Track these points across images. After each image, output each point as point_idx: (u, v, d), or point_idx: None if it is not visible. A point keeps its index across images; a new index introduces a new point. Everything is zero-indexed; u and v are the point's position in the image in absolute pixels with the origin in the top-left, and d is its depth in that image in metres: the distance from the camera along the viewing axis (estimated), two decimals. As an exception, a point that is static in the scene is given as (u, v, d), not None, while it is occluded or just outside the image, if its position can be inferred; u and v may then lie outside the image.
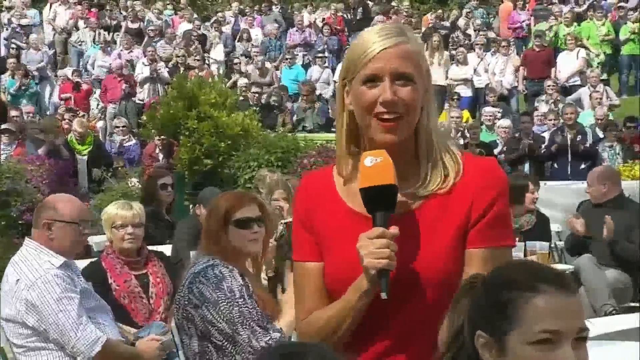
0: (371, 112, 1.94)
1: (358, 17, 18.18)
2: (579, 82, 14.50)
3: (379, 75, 1.94)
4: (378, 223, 1.92)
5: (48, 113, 14.70)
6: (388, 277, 1.90)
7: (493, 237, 1.97)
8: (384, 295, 1.89)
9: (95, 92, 15.24)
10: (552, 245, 7.35)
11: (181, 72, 14.46)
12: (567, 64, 14.88)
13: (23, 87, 14.85)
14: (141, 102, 14.90)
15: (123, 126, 12.78)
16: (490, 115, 12.94)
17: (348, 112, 2.01)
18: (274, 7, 19.16)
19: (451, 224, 1.97)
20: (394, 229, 1.90)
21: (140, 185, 9.53)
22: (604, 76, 14.97)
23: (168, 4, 19.34)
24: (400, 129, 1.95)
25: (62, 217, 4.08)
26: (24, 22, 17.49)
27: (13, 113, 13.11)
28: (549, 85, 13.98)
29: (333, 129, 12.30)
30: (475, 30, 17.01)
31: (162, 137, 11.47)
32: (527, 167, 11.52)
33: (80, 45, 17.16)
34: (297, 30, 17.37)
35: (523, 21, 17.06)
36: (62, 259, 4.04)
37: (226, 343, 3.49)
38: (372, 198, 1.93)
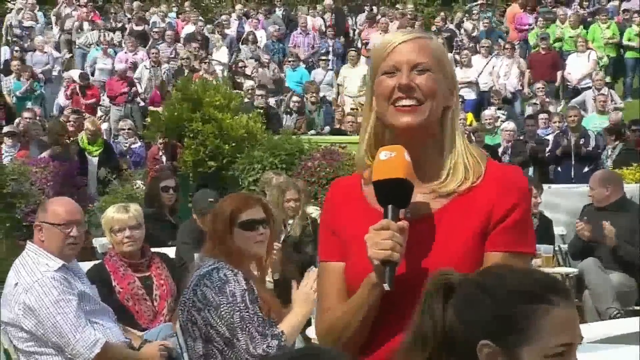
0: (389, 99, 2.01)
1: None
2: (590, 84, 14.49)
3: (397, 66, 2.01)
4: (387, 216, 1.95)
5: (53, 115, 14.70)
6: (393, 269, 1.92)
7: (512, 242, 1.98)
8: (386, 287, 1.92)
9: (102, 94, 15.26)
10: (556, 248, 7.36)
11: (185, 74, 14.49)
12: (577, 66, 14.86)
13: (29, 90, 14.87)
14: (144, 104, 14.91)
15: (128, 128, 12.79)
16: (490, 119, 12.93)
17: (375, 114, 2.07)
18: (277, 9, 19.17)
19: (471, 226, 1.99)
20: (401, 223, 1.94)
21: (144, 188, 9.56)
22: (608, 79, 14.95)
23: (173, 6, 19.36)
24: (417, 114, 2.00)
25: (49, 219, 4.09)
26: (28, 24, 17.51)
27: (26, 115, 13.11)
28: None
29: (339, 133, 12.33)
30: (478, 33, 17.00)
31: (165, 139, 11.48)
32: (531, 170, 11.51)
33: (86, 47, 17.18)
34: (300, 33, 17.37)
35: (529, 24, 17.06)
36: (60, 262, 4.04)
37: (226, 348, 3.49)
38: (383, 191, 1.96)
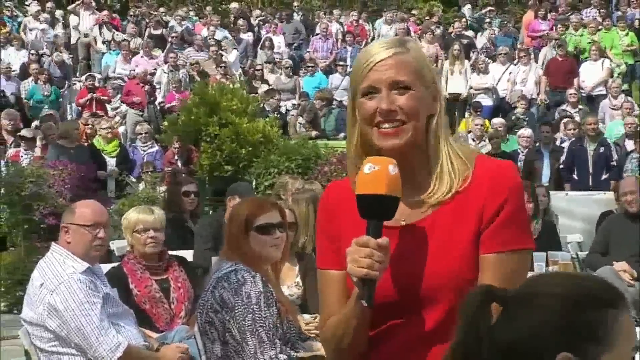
0: (372, 122, 1.98)
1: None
2: (603, 92, 14.43)
3: (376, 86, 1.97)
4: (368, 231, 1.92)
5: (69, 118, 14.77)
6: (372, 287, 1.89)
7: (505, 241, 1.95)
8: (364, 303, 1.90)
9: (115, 98, 15.32)
10: (574, 255, 7.32)
11: (197, 78, 14.55)
12: (591, 74, 14.81)
13: (46, 93, 14.96)
14: (162, 106, 14.97)
15: (145, 132, 12.83)
16: (499, 127, 12.88)
17: (358, 127, 2.03)
18: (295, 14, 19.21)
19: (465, 230, 1.97)
20: (382, 240, 1.90)
21: (161, 191, 9.60)
22: (625, 86, 14.87)
23: (191, 10, 19.42)
24: (401, 135, 1.97)
25: (76, 221, 4.13)
26: (44, 27, 17.61)
27: (47, 119, 13.17)
28: (571, 94, 13.93)
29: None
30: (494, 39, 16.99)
31: (180, 143, 11.53)
32: (546, 177, 11.46)
33: (103, 51, 17.27)
34: (320, 38, 17.41)
35: (543, 30, 17.02)
36: (86, 265, 4.07)
37: (239, 349, 3.50)
38: (365, 205, 1.93)
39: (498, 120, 13.12)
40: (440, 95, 2.05)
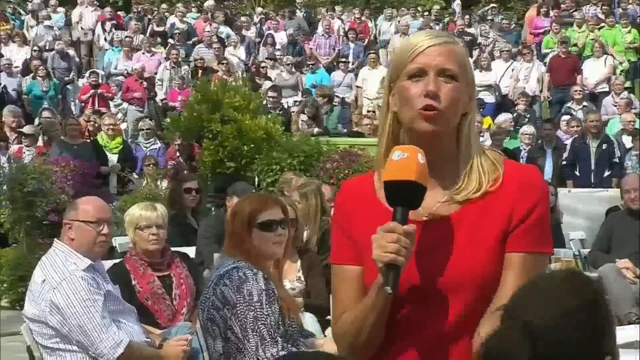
0: (415, 104, 1.97)
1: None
2: (606, 89, 14.41)
3: (425, 69, 1.98)
4: (395, 217, 1.92)
5: (73, 115, 14.77)
6: (397, 273, 1.89)
7: (532, 242, 1.97)
8: (388, 290, 1.88)
9: (117, 95, 15.32)
10: (576, 252, 7.32)
11: (200, 75, 14.54)
12: (594, 71, 14.79)
13: (45, 89, 14.96)
14: (164, 104, 14.96)
15: (148, 128, 12.81)
16: (505, 124, 12.87)
17: (392, 114, 2.04)
18: (297, 11, 19.20)
19: (491, 229, 1.97)
20: (408, 226, 1.90)
21: (163, 188, 9.60)
22: (628, 84, 14.84)
23: (193, 7, 19.41)
24: (438, 121, 1.97)
25: (80, 217, 4.13)
26: (47, 24, 17.61)
27: (45, 114, 13.21)
28: (575, 91, 13.91)
29: (356, 135, 12.32)
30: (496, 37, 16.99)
31: (181, 139, 11.52)
32: (548, 174, 11.43)
33: (106, 48, 17.27)
34: (322, 35, 17.39)
35: (545, 27, 17.02)
36: (88, 262, 4.07)
37: (241, 346, 3.50)
38: (393, 192, 1.93)
39: (504, 117, 13.11)
40: (474, 95, 2.08)
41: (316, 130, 12.75)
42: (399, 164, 1.91)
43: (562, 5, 17.87)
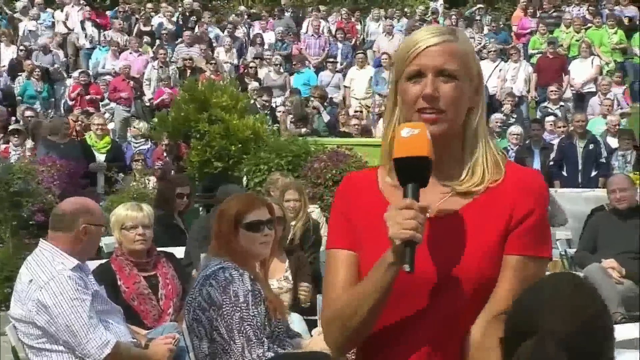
0: (414, 107, 1.97)
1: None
2: (593, 89, 14.48)
3: (423, 71, 1.96)
4: (408, 194, 1.90)
5: (60, 114, 14.71)
6: (414, 250, 1.86)
7: (531, 245, 1.96)
8: (406, 268, 1.85)
9: (105, 95, 15.27)
10: (562, 252, 7.34)
11: (188, 75, 14.51)
12: (580, 72, 14.85)
13: (39, 89, 14.90)
14: (150, 104, 14.93)
15: (136, 128, 12.74)
16: (500, 122, 12.93)
17: (399, 111, 2.04)
18: (286, 12, 19.18)
19: (491, 228, 1.97)
20: (423, 203, 1.88)
21: (151, 187, 9.57)
22: (626, 84, 14.87)
23: (180, 7, 19.36)
24: (439, 123, 1.96)
25: (97, 221, 4.15)
26: (33, 24, 17.53)
27: (27, 113, 13.17)
28: (552, 91, 13.97)
29: (344, 135, 12.29)
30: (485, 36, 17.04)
31: (169, 139, 11.49)
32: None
33: (92, 48, 17.21)
34: (311, 35, 17.39)
35: (531, 27, 17.08)
36: (75, 262, 4.05)
37: (227, 347, 3.50)
38: (405, 169, 1.90)
39: (499, 116, 13.15)
40: (482, 90, 2.06)
41: (303, 130, 12.76)
42: (410, 141, 1.89)
43: (546, 6, 17.92)
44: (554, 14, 17.38)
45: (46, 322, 3.93)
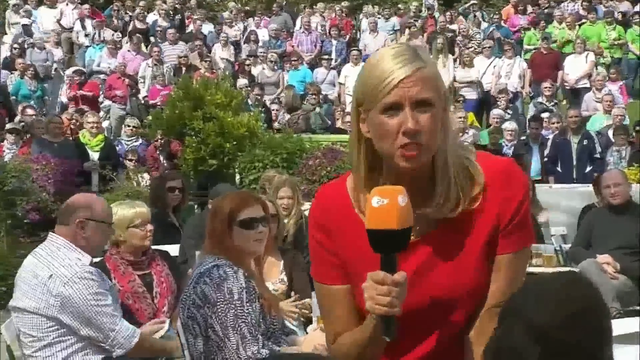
0: (393, 142, 1.91)
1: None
2: (587, 85, 14.49)
3: (400, 102, 1.90)
4: (382, 266, 1.87)
5: (55, 113, 14.68)
6: (392, 320, 1.87)
7: (518, 240, 1.99)
8: (386, 339, 1.88)
9: (101, 93, 15.24)
10: (557, 248, 7.35)
11: (183, 72, 14.49)
12: (575, 67, 14.87)
13: (33, 88, 14.87)
14: (145, 102, 14.90)
15: (133, 126, 12.72)
16: (498, 118, 12.93)
17: (365, 141, 1.98)
18: (283, 12, 19.14)
19: (478, 238, 1.97)
20: (398, 276, 1.85)
21: (145, 185, 9.56)
22: (622, 81, 14.87)
23: (177, 4, 19.32)
24: (420, 156, 1.92)
25: (97, 217, 4.17)
26: (26, 21, 17.48)
27: (29, 112, 13.13)
28: (545, 87, 13.98)
29: (339, 132, 12.29)
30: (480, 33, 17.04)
31: (163, 137, 11.48)
32: (535, 171, 11.49)
33: (87, 45, 17.17)
34: (303, 32, 17.38)
35: (521, 25, 17.09)
36: (89, 258, 4.14)
37: (222, 345, 3.50)
38: (377, 240, 1.87)
39: (498, 112, 13.15)
40: (448, 106, 2.02)
41: (298, 126, 12.76)
42: (380, 212, 1.84)
43: (541, 1, 17.92)
44: (545, 10, 17.37)
45: (71, 317, 3.99)
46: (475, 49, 15.79)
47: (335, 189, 2.11)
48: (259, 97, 13.93)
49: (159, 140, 11.45)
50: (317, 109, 13.87)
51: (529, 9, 17.66)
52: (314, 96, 14.06)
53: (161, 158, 11.39)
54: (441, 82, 1.98)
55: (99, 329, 4.01)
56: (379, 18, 17.95)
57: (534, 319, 1.61)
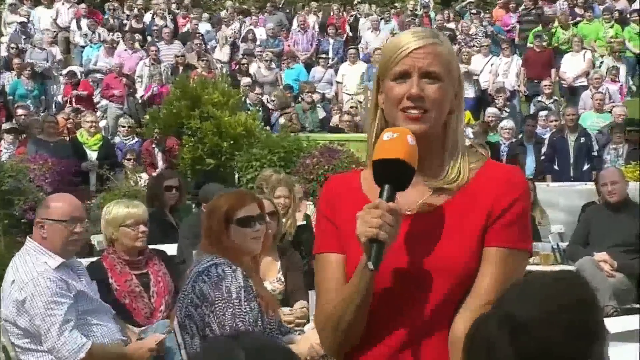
0: (398, 106, 2.02)
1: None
2: (585, 83, 14.49)
3: (409, 71, 2.01)
4: (382, 195, 1.94)
5: (50, 112, 14.65)
6: (380, 249, 1.90)
7: (510, 238, 2.00)
8: (370, 266, 1.89)
9: (96, 92, 15.21)
10: (554, 246, 7.36)
11: (180, 71, 14.48)
12: (572, 65, 14.87)
13: (30, 88, 14.84)
14: (142, 101, 14.89)
15: (128, 126, 12.71)
16: (493, 117, 12.93)
17: (380, 111, 2.09)
18: (279, 11, 19.13)
19: (472, 222, 2.00)
20: (393, 204, 1.93)
21: (142, 185, 9.55)
22: (622, 79, 14.87)
23: (173, 3, 19.31)
24: (423, 122, 2.01)
25: (51, 216, 4.09)
26: (23, 20, 17.45)
27: (20, 112, 13.12)
28: (545, 85, 13.98)
29: (336, 130, 12.29)
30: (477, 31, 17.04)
31: (160, 136, 11.47)
32: (530, 169, 11.49)
33: (83, 44, 17.15)
34: (299, 31, 17.37)
35: (513, 24, 17.09)
36: (60, 260, 4.05)
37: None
38: (381, 171, 1.96)
39: (493, 110, 13.15)
40: (462, 92, 2.11)
41: (294, 126, 12.75)
42: (389, 144, 1.95)
43: (524, 4, 17.90)
44: (528, 10, 17.34)
45: (26, 323, 3.94)
46: (476, 46, 15.79)
47: (346, 175, 2.24)
48: (259, 96, 13.92)
49: (156, 137, 11.44)
50: (309, 107, 13.87)
51: (522, 6, 17.61)
52: (309, 95, 14.05)
53: (156, 151, 11.37)
54: (455, 64, 2.09)
55: (45, 337, 3.91)
56: (380, 19, 17.95)
57: (515, 313, 1.60)
